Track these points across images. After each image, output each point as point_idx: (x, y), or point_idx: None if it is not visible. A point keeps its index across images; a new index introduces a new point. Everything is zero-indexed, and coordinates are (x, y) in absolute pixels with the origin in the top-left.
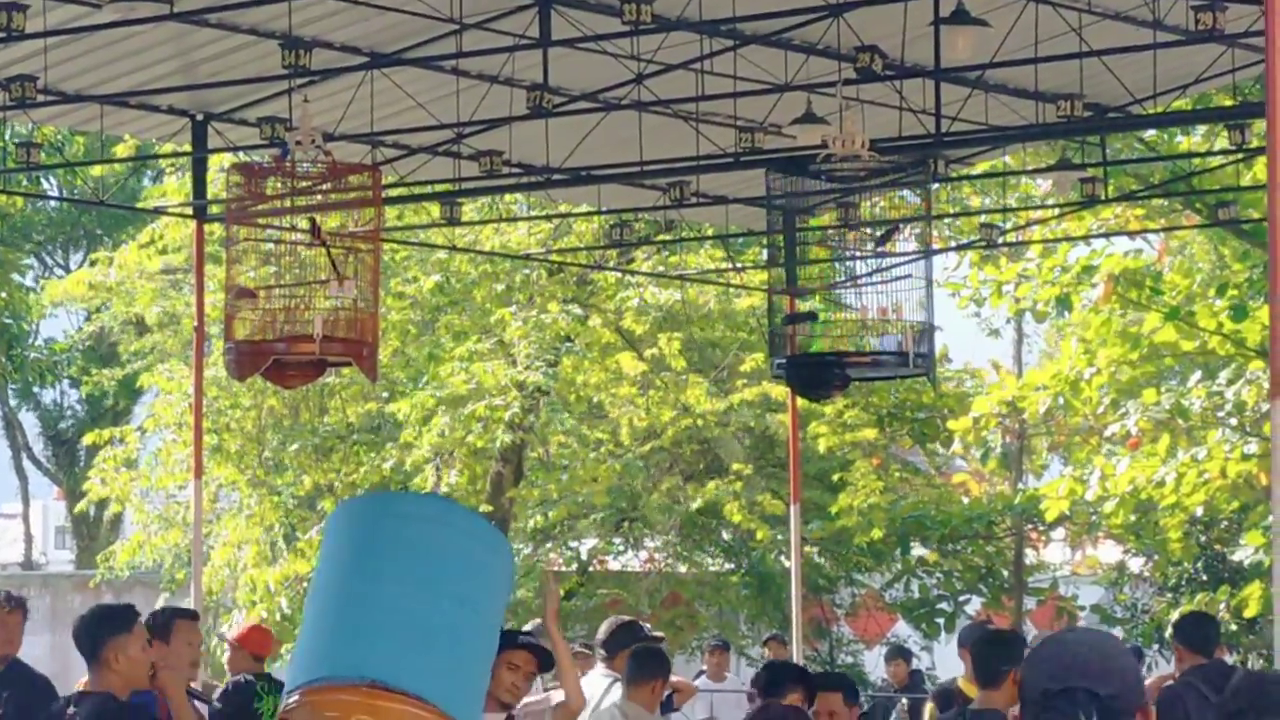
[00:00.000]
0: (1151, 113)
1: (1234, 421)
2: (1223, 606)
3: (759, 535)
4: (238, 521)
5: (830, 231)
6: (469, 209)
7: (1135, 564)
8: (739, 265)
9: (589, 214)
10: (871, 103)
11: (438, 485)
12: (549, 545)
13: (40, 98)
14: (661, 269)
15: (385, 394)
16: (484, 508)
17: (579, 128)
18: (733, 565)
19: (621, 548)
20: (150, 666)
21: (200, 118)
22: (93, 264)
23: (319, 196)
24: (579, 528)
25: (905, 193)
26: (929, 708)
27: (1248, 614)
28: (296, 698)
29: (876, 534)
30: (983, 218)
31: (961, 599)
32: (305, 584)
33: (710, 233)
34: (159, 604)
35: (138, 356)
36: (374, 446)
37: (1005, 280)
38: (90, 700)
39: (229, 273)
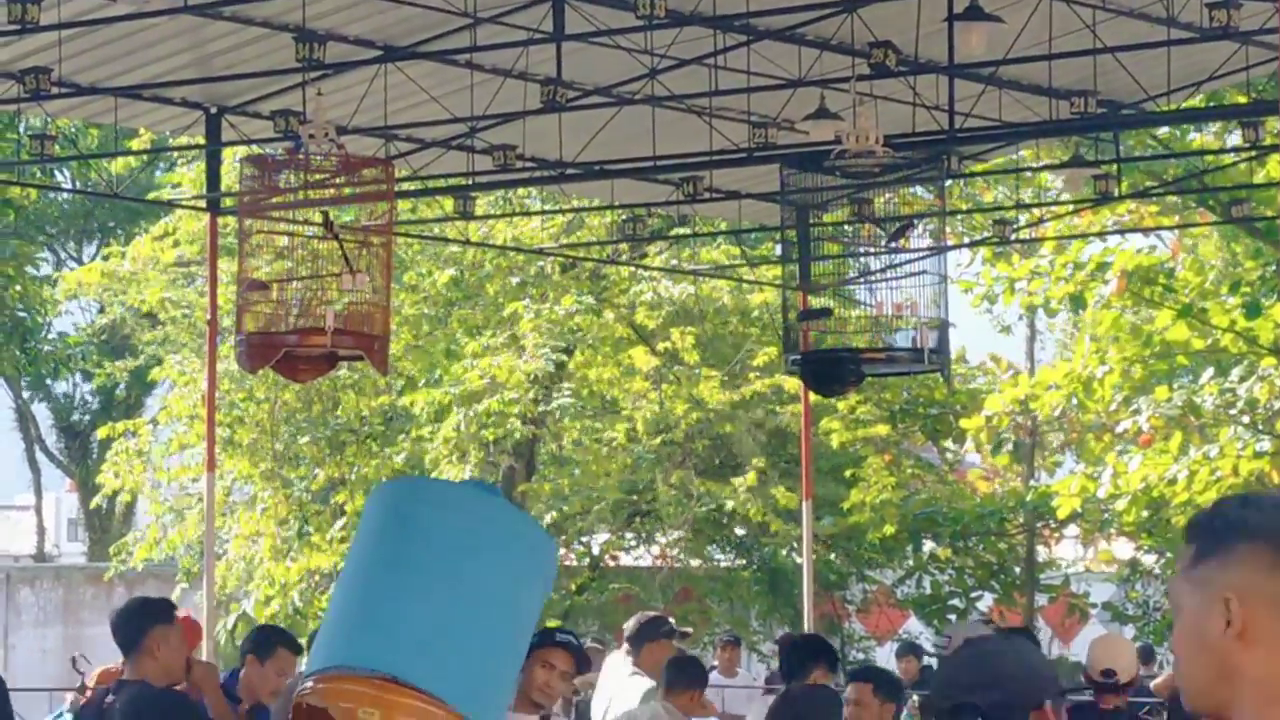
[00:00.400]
0: (1165, 110)
1: (1246, 419)
2: None
3: (774, 528)
4: (251, 515)
5: (844, 227)
6: (482, 203)
7: (1147, 560)
8: (752, 260)
9: (602, 208)
10: (885, 98)
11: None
12: (561, 540)
13: (54, 90)
14: (675, 263)
15: (400, 386)
16: None
17: (592, 122)
18: (744, 561)
19: (633, 543)
20: (186, 661)
21: (214, 110)
22: (106, 258)
23: (332, 190)
24: (591, 521)
25: (918, 189)
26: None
27: None
28: (310, 684)
29: (889, 530)
30: (996, 214)
31: (973, 595)
32: (319, 579)
33: (724, 228)
34: (174, 596)
35: (150, 345)
36: (386, 440)
37: (1018, 277)
38: (130, 688)
39: (242, 266)
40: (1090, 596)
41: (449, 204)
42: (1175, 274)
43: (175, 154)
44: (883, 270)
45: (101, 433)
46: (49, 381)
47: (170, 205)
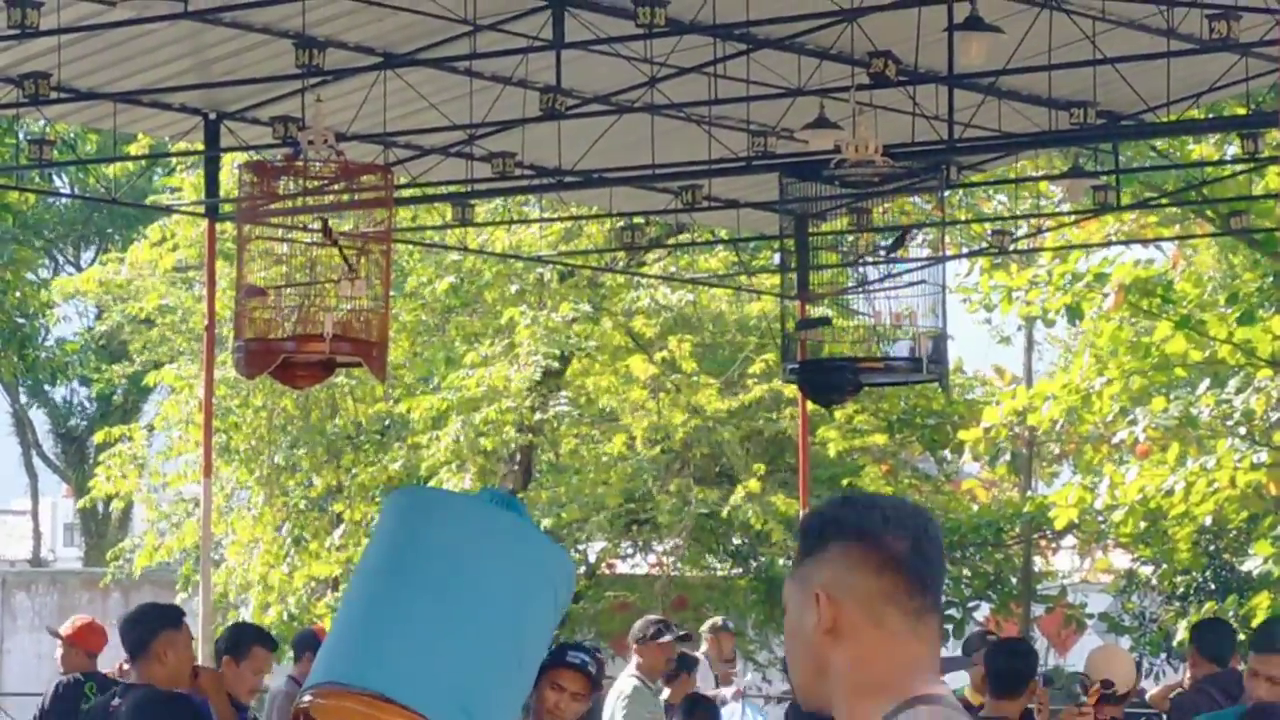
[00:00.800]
0: (1164, 121)
1: (1243, 431)
2: (1231, 616)
3: (775, 537)
4: (246, 521)
5: (843, 236)
6: (481, 211)
7: (1144, 571)
8: (750, 269)
9: (601, 216)
10: (884, 108)
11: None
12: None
13: (53, 95)
14: (673, 270)
15: (396, 394)
16: None
17: (592, 130)
18: (741, 569)
19: (630, 551)
20: (192, 667)
21: (213, 116)
22: (104, 264)
23: (331, 196)
24: (588, 529)
25: (916, 198)
26: None
27: (1256, 623)
28: (309, 698)
29: None
30: (995, 224)
31: (970, 606)
32: (315, 586)
33: (724, 235)
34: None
35: (146, 349)
36: (382, 447)
37: (1016, 287)
38: (136, 691)
39: (241, 272)
40: (1087, 607)
41: (449, 211)
42: (1173, 286)
43: (174, 160)
44: (881, 280)
45: (98, 437)
46: (47, 387)
47: (169, 211)
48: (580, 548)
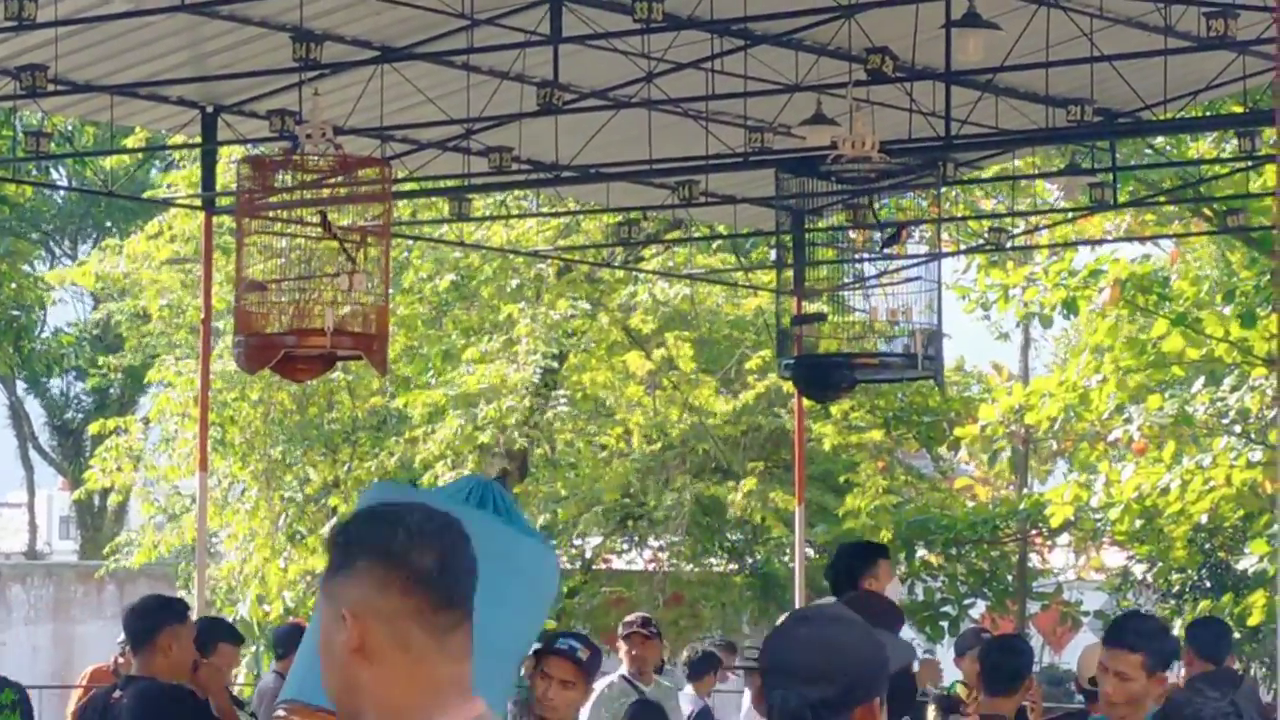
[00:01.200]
0: (1162, 119)
1: (1239, 429)
2: (1226, 614)
3: (775, 532)
4: (240, 515)
5: (839, 232)
6: (478, 205)
7: (1139, 569)
8: (747, 265)
9: (597, 211)
10: (881, 104)
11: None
12: (554, 543)
13: (50, 87)
14: (670, 265)
15: (392, 389)
16: None
17: (589, 125)
18: (736, 565)
19: (626, 547)
20: (193, 661)
21: (210, 109)
22: (103, 249)
23: (328, 190)
24: (584, 525)
25: (911, 194)
26: (932, 711)
27: (1251, 622)
28: (281, 712)
29: (885, 536)
30: (992, 221)
31: (966, 603)
32: (311, 580)
33: (722, 230)
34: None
35: (143, 339)
36: (378, 441)
37: (1012, 284)
38: (138, 683)
39: (240, 266)
40: (1082, 605)
41: (445, 206)
42: (1170, 283)
43: (171, 152)
44: (877, 276)
45: (93, 429)
46: (43, 379)
47: (166, 204)
48: (576, 543)
